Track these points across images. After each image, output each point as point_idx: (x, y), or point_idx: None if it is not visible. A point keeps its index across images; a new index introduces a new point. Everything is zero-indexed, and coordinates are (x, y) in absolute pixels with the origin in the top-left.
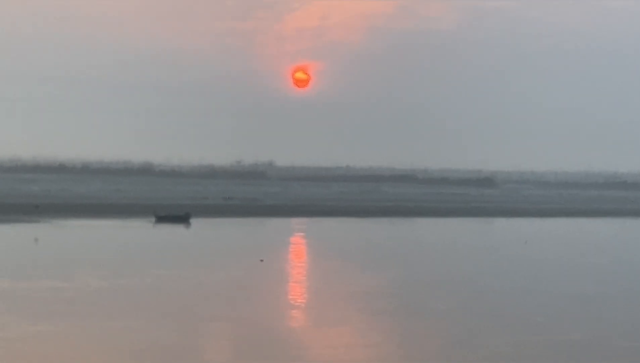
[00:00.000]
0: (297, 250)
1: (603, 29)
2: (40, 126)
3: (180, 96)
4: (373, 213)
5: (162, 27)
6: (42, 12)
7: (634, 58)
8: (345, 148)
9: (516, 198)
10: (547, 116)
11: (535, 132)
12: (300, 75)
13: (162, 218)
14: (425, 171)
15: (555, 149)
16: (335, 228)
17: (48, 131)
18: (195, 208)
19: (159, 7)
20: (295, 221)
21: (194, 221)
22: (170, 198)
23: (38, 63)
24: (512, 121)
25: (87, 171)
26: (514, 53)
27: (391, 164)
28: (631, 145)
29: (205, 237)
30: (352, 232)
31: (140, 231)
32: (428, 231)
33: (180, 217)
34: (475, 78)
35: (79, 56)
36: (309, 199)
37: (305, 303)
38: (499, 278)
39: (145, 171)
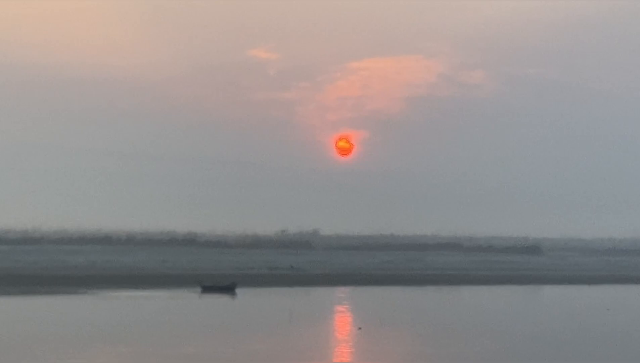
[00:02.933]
0: (375, 318)
1: None
2: (84, 197)
3: (223, 166)
4: (419, 282)
5: (205, 98)
6: (83, 84)
7: None
8: (390, 216)
9: (563, 266)
10: (591, 182)
11: (581, 199)
12: (343, 144)
13: (207, 288)
14: (470, 238)
15: (601, 215)
16: (387, 297)
17: (92, 203)
18: (240, 278)
19: (200, 78)
20: (342, 290)
21: (239, 291)
22: (215, 268)
23: (81, 136)
24: (556, 187)
25: (131, 242)
26: (556, 119)
27: (436, 232)
28: None
29: (263, 307)
30: (405, 301)
31: (189, 302)
32: (484, 300)
33: (226, 287)
34: (518, 145)
35: (122, 127)
36: (354, 268)
37: None
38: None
39: (190, 241)
